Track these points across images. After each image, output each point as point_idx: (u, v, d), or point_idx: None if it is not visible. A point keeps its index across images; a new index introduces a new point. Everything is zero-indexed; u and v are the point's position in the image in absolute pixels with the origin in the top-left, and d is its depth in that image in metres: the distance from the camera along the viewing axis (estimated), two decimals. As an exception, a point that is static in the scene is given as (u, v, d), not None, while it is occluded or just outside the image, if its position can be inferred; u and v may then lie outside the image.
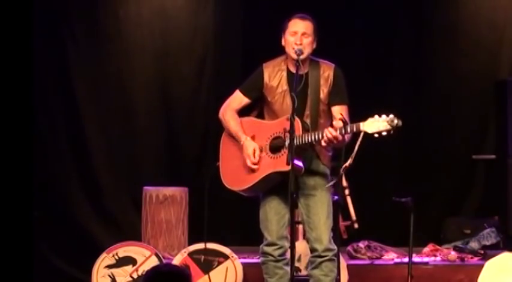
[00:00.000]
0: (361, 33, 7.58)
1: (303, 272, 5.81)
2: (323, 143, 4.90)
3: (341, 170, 4.88)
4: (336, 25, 7.49)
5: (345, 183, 6.77)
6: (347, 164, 4.81)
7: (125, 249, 6.35)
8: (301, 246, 5.83)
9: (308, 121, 5.07)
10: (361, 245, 6.78)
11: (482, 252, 6.75)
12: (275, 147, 5.06)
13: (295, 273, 5.16)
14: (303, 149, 4.98)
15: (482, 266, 5.19)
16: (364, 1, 7.62)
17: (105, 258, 6.31)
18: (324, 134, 4.86)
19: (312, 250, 5.12)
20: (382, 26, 7.61)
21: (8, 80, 6.89)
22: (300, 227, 6.11)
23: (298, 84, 4.96)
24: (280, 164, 4.90)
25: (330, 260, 5.10)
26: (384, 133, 4.78)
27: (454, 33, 7.68)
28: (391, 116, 4.80)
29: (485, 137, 7.65)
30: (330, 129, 4.87)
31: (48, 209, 7.40)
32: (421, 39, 7.68)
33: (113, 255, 6.32)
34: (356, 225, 6.87)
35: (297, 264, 5.87)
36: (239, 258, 6.26)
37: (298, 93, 4.90)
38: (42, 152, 7.44)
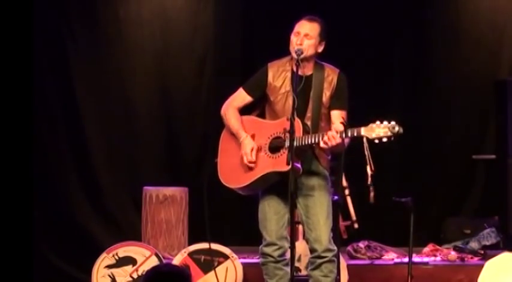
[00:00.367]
0: (361, 33, 7.58)
1: (303, 272, 5.81)
2: (322, 144, 4.90)
3: (369, 181, 4.89)
4: (336, 25, 7.47)
5: (345, 183, 6.77)
6: (371, 172, 4.83)
7: (125, 249, 6.35)
8: (301, 246, 5.83)
9: (309, 123, 5.07)
10: (361, 245, 6.78)
11: (482, 252, 6.75)
12: (275, 147, 5.06)
13: (295, 274, 5.16)
14: (302, 151, 4.98)
15: (482, 266, 5.19)
16: (364, 1, 7.62)
17: (105, 258, 6.31)
18: (325, 136, 4.86)
19: (312, 251, 5.12)
20: (382, 26, 7.61)
21: (8, 80, 6.89)
22: (300, 227, 6.12)
23: (298, 85, 4.96)
24: (279, 164, 4.90)
25: (329, 261, 5.09)
26: (385, 139, 4.80)
27: (454, 33, 7.68)
28: (393, 122, 4.81)
29: (485, 137, 7.65)
30: (332, 131, 4.87)
31: (48, 209, 7.40)
32: (421, 39, 7.68)
33: (113, 255, 6.32)
34: (356, 225, 6.88)
35: (297, 264, 5.87)
36: (239, 258, 6.26)
37: (300, 95, 4.91)
38: (42, 152, 7.44)
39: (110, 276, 6.27)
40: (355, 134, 4.85)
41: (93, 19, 7.59)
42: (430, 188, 7.59)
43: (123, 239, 6.67)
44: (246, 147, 5.08)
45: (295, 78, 4.96)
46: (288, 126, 4.85)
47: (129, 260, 6.32)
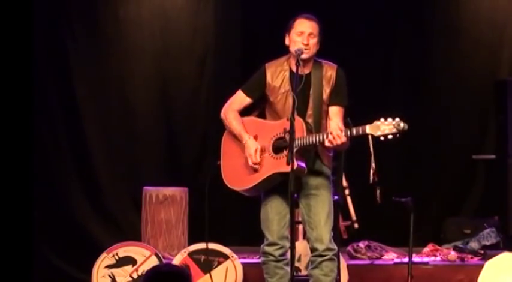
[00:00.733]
0: (361, 34, 7.58)
1: (303, 272, 5.81)
2: (327, 143, 4.90)
3: (371, 178, 4.89)
4: (336, 25, 7.49)
5: (345, 183, 6.77)
6: (373, 169, 4.84)
7: (125, 249, 6.35)
8: (301, 246, 5.83)
9: (310, 121, 5.07)
10: (361, 245, 6.78)
11: (482, 252, 6.75)
12: (278, 147, 5.06)
13: (295, 273, 5.16)
14: (306, 150, 4.98)
15: (482, 266, 5.18)
16: (365, 1, 7.62)
17: (105, 258, 6.30)
18: (330, 135, 4.86)
19: (313, 250, 5.12)
20: (383, 26, 7.61)
21: (8, 80, 6.90)
22: (300, 227, 6.12)
23: (299, 85, 4.96)
24: (282, 164, 4.88)
25: (330, 259, 5.09)
26: (390, 136, 4.79)
27: (454, 33, 7.68)
28: (397, 119, 4.80)
29: (485, 137, 7.65)
30: (337, 131, 4.86)
31: (48, 209, 7.40)
32: (421, 40, 7.68)
33: (113, 255, 6.31)
34: (356, 225, 6.87)
35: (297, 264, 5.87)
36: (239, 258, 6.26)
37: (300, 94, 4.90)
38: (42, 152, 7.44)
39: (110, 276, 6.27)
40: (360, 132, 4.85)
41: (93, 19, 7.59)
42: (430, 188, 7.59)
43: (123, 239, 6.67)
44: (250, 149, 5.08)
45: (295, 78, 4.96)
46: (288, 126, 4.85)
47: (129, 260, 6.31)
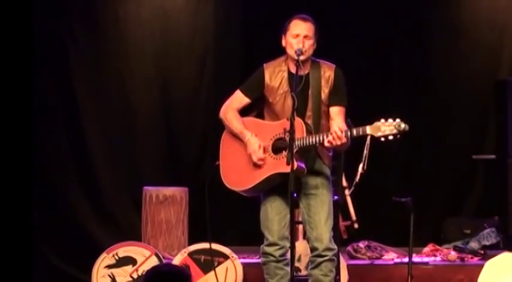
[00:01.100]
0: (362, 34, 7.58)
1: (303, 272, 5.81)
2: (326, 144, 4.90)
3: (357, 177, 4.89)
4: (336, 25, 7.49)
5: (344, 183, 6.76)
6: (361, 170, 4.83)
7: (125, 249, 6.35)
8: (301, 246, 5.83)
9: (310, 122, 5.07)
10: (361, 245, 6.78)
11: (482, 252, 6.75)
12: (277, 148, 5.06)
13: (295, 273, 5.16)
14: (306, 151, 4.99)
15: (482, 266, 5.20)
16: (364, 1, 7.62)
17: (105, 258, 6.30)
18: (330, 136, 4.86)
19: (312, 249, 5.12)
20: (382, 26, 7.61)
21: (8, 80, 6.90)
22: (300, 227, 6.12)
23: (298, 85, 4.96)
24: (282, 165, 4.88)
25: (329, 260, 5.10)
26: (391, 137, 4.80)
27: (454, 33, 7.68)
28: (398, 120, 4.81)
29: (485, 137, 7.65)
30: (337, 131, 4.86)
31: (48, 209, 7.40)
32: (421, 40, 7.68)
33: (113, 255, 6.31)
34: (356, 225, 6.87)
35: (297, 264, 5.86)
36: (239, 258, 6.26)
37: (299, 94, 4.90)
38: (42, 152, 7.44)
39: (110, 276, 6.27)
40: (361, 133, 4.85)
41: (93, 19, 7.59)
42: (430, 188, 7.59)
43: (123, 239, 6.66)
44: (254, 145, 5.07)
45: (295, 79, 4.96)
46: (288, 127, 4.85)
47: (129, 260, 6.31)
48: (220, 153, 5.26)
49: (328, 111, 5.14)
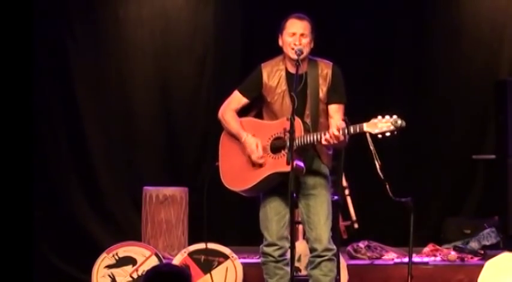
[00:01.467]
0: (362, 33, 7.58)
1: (303, 272, 5.81)
2: (324, 142, 4.90)
3: (381, 175, 4.89)
4: (336, 25, 7.50)
5: (345, 183, 6.77)
6: (379, 165, 4.84)
7: (125, 249, 6.35)
8: (301, 246, 5.83)
9: (308, 121, 5.07)
10: (361, 245, 6.78)
11: (482, 252, 6.75)
12: (276, 147, 5.06)
13: (295, 273, 5.15)
14: (304, 149, 4.99)
15: (482, 266, 5.20)
16: (365, 1, 7.62)
17: (105, 258, 6.30)
18: (327, 134, 4.86)
19: (312, 250, 5.12)
20: (382, 26, 7.61)
21: (7, 80, 6.90)
22: (300, 227, 6.11)
23: (298, 84, 4.96)
24: (281, 164, 4.89)
25: (329, 259, 5.10)
26: (388, 134, 4.80)
27: (454, 33, 7.68)
28: (395, 116, 4.81)
29: (485, 137, 7.65)
30: (334, 129, 4.86)
31: (48, 209, 7.40)
32: (421, 40, 7.68)
33: (113, 255, 6.31)
34: (356, 225, 6.87)
35: (297, 264, 5.87)
36: (239, 258, 6.26)
37: (297, 94, 4.90)
38: (42, 152, 7.44)
39: (110, 276, 6.27)
40: (358, 131, 4.84)
41: (93, 19, 7.59)
42: (430, 188, 7.59)
43: (123, 239, 6.67)
44: (251, 145, 5.08)
45: (296, 78, 4.95)
46: (288, 126, 4.85)
47: (129, 260, 6.32)
48: (219, 154, 5.26)
49: (327, 109, 5.14)
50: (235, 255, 6.21)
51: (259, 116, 5.26)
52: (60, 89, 7.55)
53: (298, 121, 4.92)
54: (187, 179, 7.32)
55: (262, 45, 7.30)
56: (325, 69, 5.14)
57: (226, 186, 5.20)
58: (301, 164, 4.92)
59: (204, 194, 5.41)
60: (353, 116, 5.11)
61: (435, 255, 6.77)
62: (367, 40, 7.58)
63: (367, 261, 6.65)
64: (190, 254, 6.20)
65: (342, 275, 5.59)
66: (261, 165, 5.06)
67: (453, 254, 6.74)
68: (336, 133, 4.84)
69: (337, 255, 5.20)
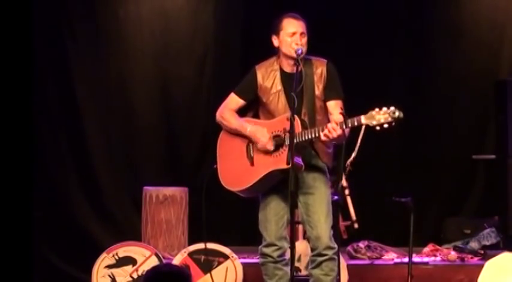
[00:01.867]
0: (362, 33, 7.58)
1: (303, 272, 5.81)
2: (323, 137, 4.89)
3: (347, 164, 4.87)
4: (336, 25, 7.50)
5: (345, 183, 6.76)
6: (352, 158, 4.82)
7: (125, 249, 6.35)
8: (301, 246, 5.83)
9: (306, 119, 5.07)
10: (361, 245, 6.78)
11: (482, 252, 6.75)
12: (275, 145, 5.06)
13: (295, 273, 5.15)
14: (302, 146, 4.98)
15: (482, 266, 5.20)
16: (365, 1, 7.62)
17: (105, 258, 6.30)
18: (325, 129, 4.86)
19: (313, 249, 5.11)
20: (382, 26, 7.61)
21: (8, 80, 6.90)
22: (300, 227, 6.11)
23: (298, 84, 4.95)
24: (280, 161, 4.89)
25: (330, 259, 5.09)
26: (386, 125, 4.78)
27: (454, 33, 7.68)
28: (392, 108, 4.80)
29: (485, 137, 7.65)
30: (332, 124, 4.86)
31: (48, 209, 7.40)
32: (421, 40, 7.68)
33: (113, 255, 6.32)
34: (356, 225, 6.86)
35: (297, 264, 5.86)
36: (239, 258, 6.26)
37: (296, 93, 4.90)
38: (42, 152, 7.44)
39: (110, 276, 6.27)
40: (356, 123, 4.84)
41: (93, 19, 7.59)
42: (430, 188, 7.59)
43: (123, 239, 6.67)
44: (257, 133, 5.06)
45: (296, 78, 4.95)
46: (286, 124, 4.85)
47: (129, 260, 6.32)
48: (217, 154, 5.26)
49: (325, 106, 5.14)
50: (235, 255, 6.21)
51: (256, 117, 5.26)
52: (60, 89, 7.55)
53: (295, 118, 4.91)
54: (187, 179, 7.31)
55: (262, 45, 7.30)
56: (319, 66, 5.15)
57: (226, 187, 5.20)
58: (300, 160, 4.92)
59: (202, 197, 5.41)
60: (353, 115, 5.11)
61: (435, 255, 6.77)
62: (367, 40, 7.58)
63: (367, 261, 6.65)
64: (190, 254, 6.20)
65: (342, 275, 5.59)
66: (259, 164, 5.05)
67: (453, 254, 6.73)
68: (334, 126, 4.83)
69: (337, 254, 5.20)
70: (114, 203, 7.54)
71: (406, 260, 6.42)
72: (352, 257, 6.71)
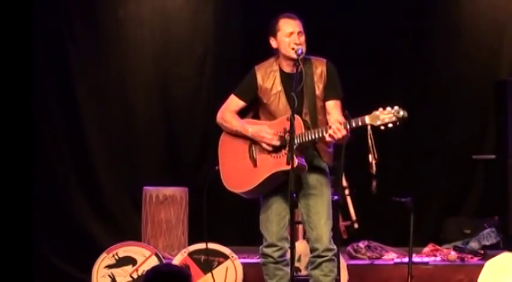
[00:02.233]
0: (362, 33, 7.58)
1: (303, 272, 5.81)
2: (328, 138, 4.88)
3: (373, 169, 4.83)
4: (337, 25, 7.50)
5: (345, 183, 6.77)
6: (375, 161, 4.79)
7: (125, 249, 6.35)
8: (301, 246, 5.83)
9: (307, 119, 5.07)
10: (361, 245, 6.78)
11: (482, 252, 6.75)
12: (277, 146, 5.06)
13: (295, 274, 5.15)
14: (305, 147, 4.98)
15: (482, 266, 5.20)
16: (365, 1, 7.62)
17: (105, 258, 6.30)
18: (330, 129, 4.85)
19: (312, 250, 5.11)
20: (382, 26, 7.61)
21: (8, 81, 6.90)
22: (300, 227, 6.11)
23: (299, 84, 4.95)
24: (283, 163, 4.87)
25: (330, 260, 5.09)
26: (390, 125, 4.77)
27: (454, 33, 7.68)
28: (396, 107, 4.78)
29: (485, 137, 7.65)
30: (337, 124, 4.85)
31: (48, 209, 7.40)
32: (421, 39, 7.68)
33: (113, 255, 6.32)
34: (356, 225, 6.87)
35: (297, 264, 5.86)
36: (239, 258, 6.26)
37: (296, 93, 4.90)
38: (42, 152, 7.44)
39: (110, 276, 6.27)
40: (360, 123, 4.82)
41: (93, 19, 7.59)
42: (430, 188, 7.59)
43: (123, 239, 6.67)
44: (260, 132, 5.06)
45: (295, 78, 4.94)
46: (287, 125, 4.84)
47: (129, 260, 6.32)
48: (219, 156, 5.24)
49: (324, 106, 5.14)
50: (235, 255, 6.21)
51: (256, 118, 5.26)
52: (60, 89, 7.55)
53: (298, 119, 4.91)
54: (187, 179, 7.31)
55: (262, 45, 7.31)
56: (319, 66, 5.14)
57: (228, 188, 5.19)
58: (304, 161, 4.92)
59: (204, 197, 5.41)
60: (353, 116, 5.11)
61: (435, 255, 6.77)
62: (367, 40, 7.58)
63: (367, 261, 6.65)
64: (190, 254, 6.21)
65: (342, 275, 5.59)
66: (262, 166, 5.05)
67: (453, 254, 6.74)
68: (339, 126, 4.82)
69: (337, 255, 5.20)
70: (114, 203, 7.54)
71: (406, 260, 6.42)
72: (352, 257, 6.71)
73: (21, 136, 7.04)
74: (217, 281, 6.05)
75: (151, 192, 6.89)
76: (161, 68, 7.68)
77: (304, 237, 5.70)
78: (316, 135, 4.92)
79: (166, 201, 6.84)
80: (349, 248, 6.77)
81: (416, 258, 6.57)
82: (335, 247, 5.12)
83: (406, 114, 4.77)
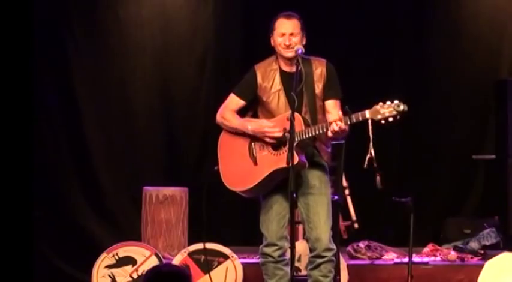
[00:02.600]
0: (362, 33, 7.58)
1: (303, 272, 5.81)
2: (330, 134, 4.89)
3: (365, 164, 4.82)
4: (337, 25, 7.50)
5: (345, 183, 6.77)
6: (371, 155, 4.78)
7: (124, 249, 6.35)
8: (301, 246, 5.83)
9: (307, 117, 5.07)
10: (361, 245, 6.78)
11: (482, 252, 6.75)
12: (277, 144, 5.06)
13: (295, 273, 5.15)
14: (305, 144, 4.99)
15: (482, 266, 5.21)
16: (365, 1, 7.62)
17: (105, 258, 6.30)
18: (331, 125, 4.85)
19: (312, 250, 5.12)
20: (382, 26, 7.61)
21: (8, 80, 6.90)
22: (300, 227, 6.11)
23: (299, 83, 4.95)
24: (283, 160, 4.87)
25: (329, 260, 5.10)
26: (391, 119, 4.78)
27: (454, 32, 7.68)
28: (396, 101, 4.79)
29: (485, 137, 7.65)
30: (339, 123, 4.85)
31: (48, 209, 7.40)
32: (421, 39, 7.68)
33: (113, 255, 6.32)
34: (356, 225, 6.87)
35: (296, 264, 5.87)
36: (239, 258, 6.26)
37: (296, 92, 4.90)
38: (42, 152, 7.44)
39: (110, 276, 6.27)
40: (360, 118, 4.83)
41: (93, 19, 7.59)
42: (430, 188, 7.59)
43: (123, 239, 6.66)
44: (261, 128, 5.07)
45: (296, 77, 4.95)
46: (287, 124, 4.85)
47: (129, 260, 6.32)
48: (219, 155, 5.25)
49: (324, 105, 5.15)
50: (235, 255, 6.21)
51: (255, 116, 5.26)
52: (60, 89, 7.55)
53: (297, 116, 4.92)
54: (187, 179, 7.31)
55: (262, 45, 7.31)
56: (318, 66, 5.15)
57: (229, 187, 5.19)
58: (304, 158, 4.93)
59: (203, 197, 5.41)
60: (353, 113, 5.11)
61: (435, 255, 6.77)
62: (367, 40, 7.58)
63: (367, 261, 6.65)
64: (190, 254, 6.21)
65: (342, 275, 5.60)
66: (262, 164, 5.05)
67: (453, 254, 6.74)
68: (341, 124, 4.83)
69: (337, 255, 5.20)
70: (114, 203, 7.54)
71: (406, 260, 6.42)
72: (352, 257, 6.71)
73: (21, 136, 7.04)
74: (217, 281, 6.05)
75: (151, 192, 6.89)
76: (161, 67, 7.68)
77: (304, 237, 5.70)
78: (316, 132, 4.93)
79: (166, 201, 6.84)
80: (349, 248, 6.77)
81: (416, 258, 6.57)
82: (335, 247, 5.13)
83: (406, 108, 4.78)
